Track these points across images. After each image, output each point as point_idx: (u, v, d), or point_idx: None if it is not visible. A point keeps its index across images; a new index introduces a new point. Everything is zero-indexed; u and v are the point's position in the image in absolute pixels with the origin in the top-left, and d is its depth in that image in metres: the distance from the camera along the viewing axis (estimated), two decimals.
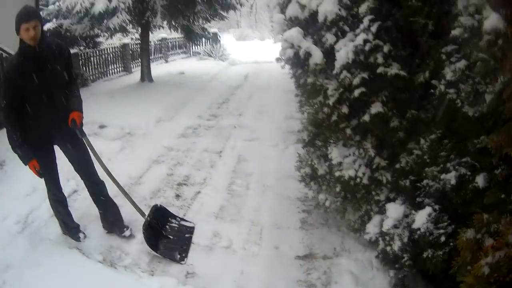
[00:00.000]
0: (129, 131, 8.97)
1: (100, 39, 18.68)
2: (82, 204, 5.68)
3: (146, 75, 14.77)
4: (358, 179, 3.61)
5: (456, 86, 2.51)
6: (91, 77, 15.68)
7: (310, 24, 3.70)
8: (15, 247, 4.78)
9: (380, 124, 3.36)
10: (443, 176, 2.62)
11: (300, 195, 5.51)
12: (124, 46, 18.14)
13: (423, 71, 2.92)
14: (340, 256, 4.22)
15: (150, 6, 12.29)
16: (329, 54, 3.54)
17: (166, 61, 22.11)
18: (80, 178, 5.42)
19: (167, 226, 4.71)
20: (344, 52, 3.28)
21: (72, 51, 14.95)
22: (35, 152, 4.38)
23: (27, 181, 6.35)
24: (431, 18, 2.87)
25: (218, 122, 9.60)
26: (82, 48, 16.23)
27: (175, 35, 23.00)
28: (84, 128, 8.81)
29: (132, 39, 20.27)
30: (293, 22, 3.73)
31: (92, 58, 16.06)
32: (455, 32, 2.36)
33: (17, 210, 5.63)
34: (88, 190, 4.93)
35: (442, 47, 2.66)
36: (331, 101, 3.51)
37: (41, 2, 14.09)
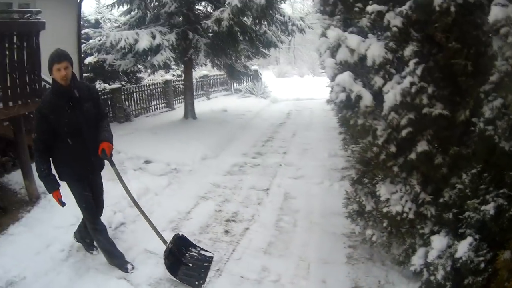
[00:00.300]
0: (175, 167, 9.39)
1: (142, 74, 19.31)
2: (129, 237, 6.09)
3: (189, 112, 15.14)
4: (405, 214, 3.86)
5: (494, 123, 2.81)
6: (134, 112, 16.28)
7: (359, 67, 4.03)
8: (58, 274, 5.16)
9: (426, 161, 3.63)
10: (483, 207, 2.91)
11: (346, 231, 5.72)
12: (166, 82, 18.68)
13: (464, 109, 3.23)
14: None
15: (193, 44, 12.78)
16: (378, 96, 3.85)
17: (208, 98, 22.53)
18: (126, 211, 6.45)
19: (187, 254, 5.03)
20: (392, 94, 3.60)
21: (114, 85, 15.65)
22: (72, 183, 4.99)
23: (71, 211, 6.70)
24: (469, 59, 3.16)
25: (264, 160, 9.95)
26: (123, 83, 16.85)
27: (217, 72, 23.48)
28: (129, 163, 9.54)
29: (173, 75, 20.75)
30: (343, 66, 4.04)
31: (134, 94, 16.69)
32: (493, 78, 2.70)
33: (62, 238, 6.01)
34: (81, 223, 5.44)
35: (480, 86, 2.97)
36: (380, 141, 3.82)
37: (83, 36, 14.79)
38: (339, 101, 4.05)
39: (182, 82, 20.04)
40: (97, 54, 14.23)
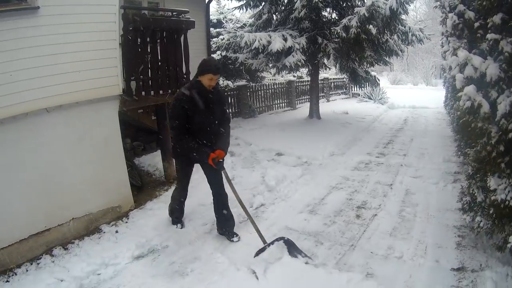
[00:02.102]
0: (306, 160, 10.48)
1: (264, 74, 20.51)
2: (270, 215, 7.10)
3: (314, 112, 16.01)
4: (507, 202, 4.59)
5: None
6: (258, 109, 17.36)
7: (480, 82, 4.90)
8: (203, 243, 6.06)
9: None
10: None
11: (457, 223, 6.47)
12: (290, 82, 19.65)
13: None
14: (484, 270, 5.07)
15: (322, 48, 13.60)
16: (492, 105, 4.70)
17: (328, 100, 23.40)
18: (264, 194, 7.66)
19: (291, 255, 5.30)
20: (503, 105, 4.43)
21: (241, 83, 17.03)
22: (187, 163, 6.06)
23: (210, 192, 7.23)
24: None
25: (387, 160, 10.76)
26: (244, 81, 17.88)
27: (336, 76, 24.27)
28: (262, 154, 10.83)
29: (294, 76, 21.66)
30: (469, 80, 4.94)
31: (259, 92, 17.74)
32: None
33: (204, 214, 7.03)
34: (213, 199, 6.16)
35: None
36: (492, 141, 4.66)
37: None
38: (465, 107, 4.84)
39: (304, 83, 20.91)
40: (224, 52, 15.31)
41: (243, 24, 20.04)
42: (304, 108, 19.49)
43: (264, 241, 5.50)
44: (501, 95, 4.60)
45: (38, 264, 5.50)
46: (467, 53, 5.04)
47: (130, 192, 7.25)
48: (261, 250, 5.33)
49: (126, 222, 6.68)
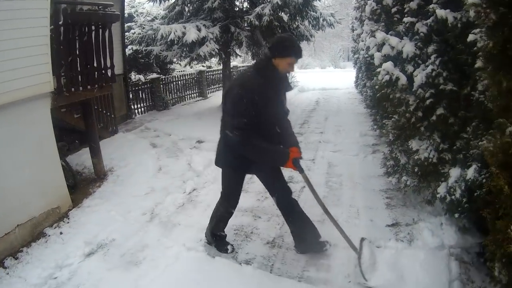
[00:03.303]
0: None
1: (174, 65, 20.79)
2: (204, 198, 7.35)
3: None
4: (430, 159, 5.24)
5: (484, 93, 4.10)
6: (171, 101, 17.72)
7: (397, 59, 5.69)
8: (146, 232, 6.15)
9: (443, 122, 5.09)
10: (480, 143, 4.08)
11: (383, 187, 7.13)
12: (200, 73, 19.99)
13: (467, 86, 4.71)
14: (418, 223, 5.61)
15: (235, 37, 14.21)
16: (409, 78, 5.46)
17: None
18: (196, 180, 7.87)
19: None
20: (419, 77, 5.20)
21: (153, 76, 17.32)
22: (244, 170, 4.91)
23: (142, 183, 8.18)
24: (470, 55, 4.33)
25: (305, 138, 11.35)
26: (155, 74, 18.12)
27: (244, 64, 24.66)
28: (183, 143, 11.17)
29: (203, 66, 21.85)
30: (386, 57, 5.74)
31: (172, 84, 18.04)
32: (479, 64, 4.18)
33: (141, 205, 7.09)
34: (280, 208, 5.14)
35: (476, 72, 4.01)
36: (411, 108, 5.41)
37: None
38: (384, 80, 5.60)
39: (214, 73, 21.36)
40: (137, 45, 15.43)
41: (154, 17, 20.18)
42: (215, 97, 19.96)
43: (354, 248, 4.87)
44: (417, 69, 5.39)
45: None
46: (384, 34, 5.85)
47: (67, 192, 7.20)
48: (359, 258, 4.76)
49: (68, 222, 6.64)
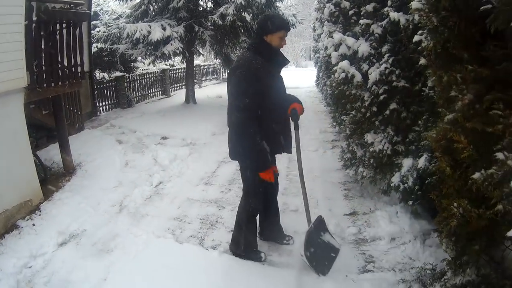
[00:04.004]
0: (191, 141, 11.16)
1: (137, 64, 20.78)
2: (170, 191, 7.59)
3: (191, 97, 16.65)
4: (385, 151, 5.59)
5: (433, 89, 4.37)
6: (135, 99, 17.82)
7: (353, 58, 6.00)
8: (116, 222, 6.25)
9: (396, 116, 5.45)
10: (429, 133, 4.21)
11: (341, 180, 7.43)
12: (164, 71, 20.13)
13: (418, 83, 5.08)
14: (374, 212, 5.92)
15: (199, 36, 14.42)
16: (365, 76, 5.77)
17: (200, 86, 24.06)
18: (162, 174, 8.00)
19: (319, 239, 4.84)
20: (374, 74, 5.50)
21: (118, 74, 17.42)
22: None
23: (110, 177, 8.26)
24: (421, 54, 4.37)
25: None
26: (118, 72, 18.16)
27: (206, 63, 24.95)
28: (148, 139, 11.24)
29: (167, 65, 21.99)
30: (343, 57, 6.03)
31: (136, 82, 18.12)
32: (422, 61, 4.28)
33: (110, 197, 7.21)
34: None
35: (427, 69, 4.13)
36: (366, 104, 5.73)
37: None
38: (340, 78, 5.87)
39: (176, 71, 21.48)
40: (103, 44, 15.33)
41: (119, 15, 20.09)
42: (178, 95, 20.14)
43: (309, 220, 4.87)
44: (372, 67, 5.72)
45: None
46: (341, 35, 6.18)
47: (39, 185, 7.21)
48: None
49: (40, 215, 6.61)
